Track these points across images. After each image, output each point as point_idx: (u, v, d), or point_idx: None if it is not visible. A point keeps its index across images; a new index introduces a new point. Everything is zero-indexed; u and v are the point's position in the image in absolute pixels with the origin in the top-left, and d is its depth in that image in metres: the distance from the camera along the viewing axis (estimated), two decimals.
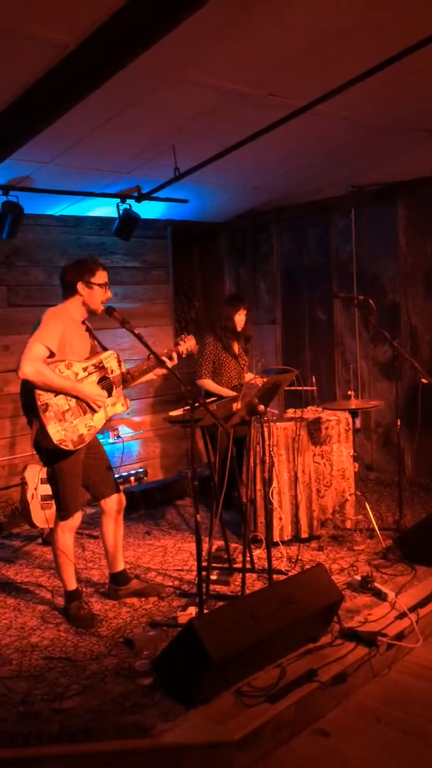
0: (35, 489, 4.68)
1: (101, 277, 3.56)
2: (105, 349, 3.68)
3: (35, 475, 4.71)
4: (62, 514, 3.61)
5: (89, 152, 4.29)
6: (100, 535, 3.87)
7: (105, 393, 3.56)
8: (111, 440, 5.91)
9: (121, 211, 5.27)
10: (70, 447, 3.41)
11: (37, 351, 3.31)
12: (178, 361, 3.80)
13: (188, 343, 3.91)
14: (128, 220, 5.30)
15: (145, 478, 6.07)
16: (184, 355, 3.89)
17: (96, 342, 3.70)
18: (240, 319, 5.06)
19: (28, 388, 3.36)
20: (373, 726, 2.84)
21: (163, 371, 3.75)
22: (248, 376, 5.10)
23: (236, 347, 5.11)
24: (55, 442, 3.35)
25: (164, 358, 3.60)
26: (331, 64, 3.39)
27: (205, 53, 3.17)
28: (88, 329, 3.68)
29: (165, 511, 5.60)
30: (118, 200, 5.23)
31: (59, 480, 3.55)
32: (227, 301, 5.23)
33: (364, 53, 3.26)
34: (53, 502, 4.63)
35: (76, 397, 3.44)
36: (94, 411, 3.52)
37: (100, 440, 3.86)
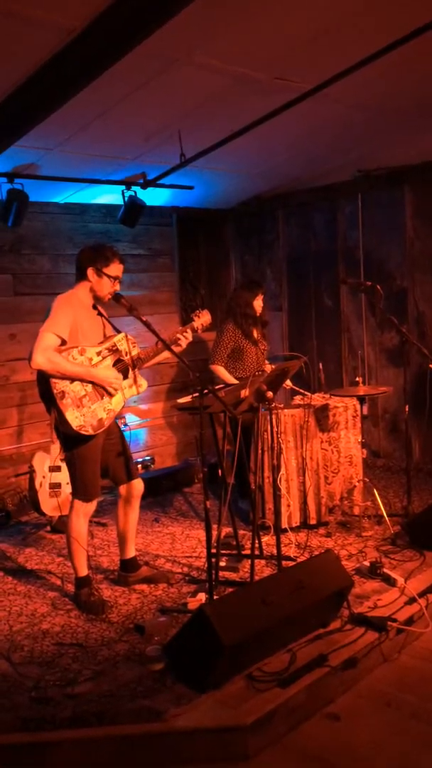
0: (44, 477, 4.69)
1: (114, 269, 3.53)
2: (118, 332, 3.66)
3: (43, 463, 4.72)
4: (81, 497, 3.59)
5: (94, 138, 4.27)
6: (115, 520, 3.87)
7: (120, 375, 3.56)
8: None
9: (126, 198, 5.25)
10: (90, 432, 3.41)
11: (47, 340, 3.31)
12: (193, 338, 3.77)
13: (203, 318, 3.86)
14: (133, 207, 5.27)
15: (152, 466, 6.09)
16: (199, 331, 3.84)
17: (109, 325, 3.68)
18: (258, 304, 4.97)
19: (44, 377, 3.36)
20: (384, 710, 2.85)
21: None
22: (267, 366, 4.95)
23: (256, 333, 5.03)
24: (75, 428, 3.35)
25: (178, 336, 3.54)
26: (338, 47, 3.35)
27: (211, 36, 3.14)
28: (99, 313, 3.66)
29: (173, 498, 5.62)
30: (124, 187, 5.20)
31: (78, 464, 3.54)
32: (245, 286, 5.11)
33: (372, 36, 3.22)
34: (61, 490, 4.65)
35: (92, 383, 3.44)
36: (111, 395, 3.52)
37: None
